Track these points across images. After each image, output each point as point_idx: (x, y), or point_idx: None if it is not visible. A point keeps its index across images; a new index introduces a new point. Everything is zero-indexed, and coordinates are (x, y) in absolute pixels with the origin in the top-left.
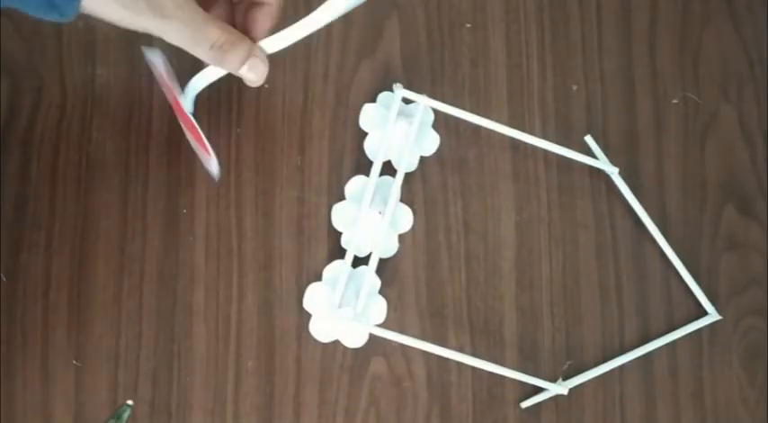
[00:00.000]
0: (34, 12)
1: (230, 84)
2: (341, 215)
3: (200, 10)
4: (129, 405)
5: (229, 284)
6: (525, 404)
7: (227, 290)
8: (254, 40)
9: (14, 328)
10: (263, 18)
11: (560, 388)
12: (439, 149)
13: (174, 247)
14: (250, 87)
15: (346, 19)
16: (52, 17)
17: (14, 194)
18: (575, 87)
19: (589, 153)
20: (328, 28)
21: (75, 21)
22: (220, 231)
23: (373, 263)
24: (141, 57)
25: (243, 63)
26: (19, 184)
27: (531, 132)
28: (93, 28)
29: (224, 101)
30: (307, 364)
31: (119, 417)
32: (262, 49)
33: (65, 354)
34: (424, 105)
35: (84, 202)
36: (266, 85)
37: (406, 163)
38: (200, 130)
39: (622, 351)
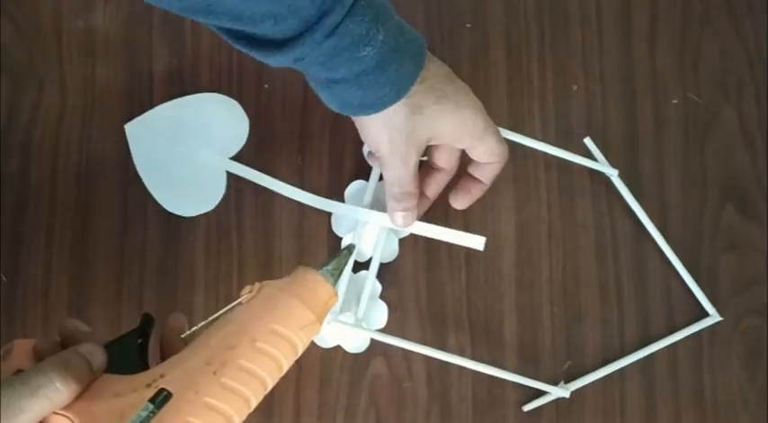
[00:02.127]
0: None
1: (230, 84)
2: (341, 220)
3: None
4: (351, 246)
5: (229, 284)
6: (527, 408)
7: (227, 290)
8: (428, 197)
9: (14, 328)
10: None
11: (562, 391)
12: None
13: (174, 247)
14: (250, 88)
15: None
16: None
17: (14, 194)
18: (575, 87)
19: (589, 155)
20: None
21: (76, 21)
22: (220, 231)
23: (374, 268)
24: (140, 56)
25: (402, 210)
26: (19, 184)
27: (531, 132)
28: (93, 28)
29: None
30: (307, 365)
31: (339, 257)
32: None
33: None
34: None
35: (84, 202)
36: (266, 85)
37: None
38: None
39: (622, 351)
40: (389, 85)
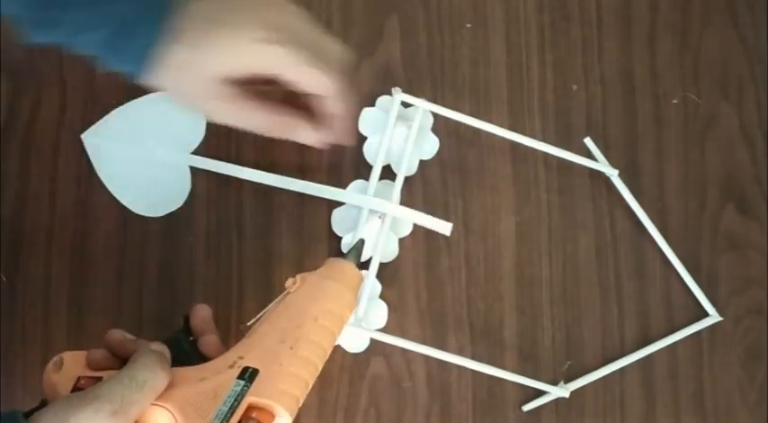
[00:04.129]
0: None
1: None
2: (341, 220)
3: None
4: (362, 240)
5: (229, 284)
6: (527, 407)
7: (227, 290)
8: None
9: (14, 328)
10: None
11: (562, 391)
12: (439, 151)
13: (174, 247)
14: None
15: (346, 18)
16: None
17: (14, 194)
18: (575, 87)
19: (589, 155)
20: (328, 27)
21: None
22: (220, 231)
23: (374, 268)
24: None
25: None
26: (19, 184)
27: (531, 132)
28: None
29: None
30: None
31: (357, 247)
32: None
33: None
34: (423, 109)
35: (83, 202)
36: None
37: (406, 167)
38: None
39: (622, 351)
40: None
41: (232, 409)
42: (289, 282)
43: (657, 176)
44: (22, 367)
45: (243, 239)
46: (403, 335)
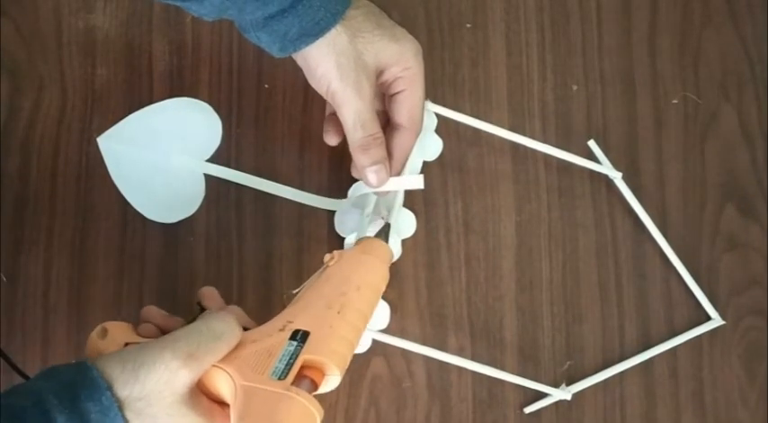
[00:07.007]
0: None
1: (230, 83)
2: (343, 220)
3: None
4: (389, 223)
5: (229, 284)
6: (528, 410)
7: (228, 290)
8: (396, 159)
9: (14, 328)
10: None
11: (563, 393)
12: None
13: (174, 247)
14: (250, 88)
15: None
16: None
17: (14, 194)
18: (575, 87)
19: (592, 157)
20: None
21: (76, 21)
22: (220, 231)
23: None
24: (140, 56)
25: (372, 164)
26: (19, 184)
27: (532, 132)
28: (93, 28)
29: (224, 101)
30: None
31: (384, 231)
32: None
33: (65, 354)
34: (427, 110)
35: (84, 202)
36: (266, 85)
37: (410, 168)
38: None
39: (623, 351)
40: (324, 8)
41: (288, 367)
42: (327, 257)
43: (657, 176)
44: (22, 367)
45: (243, 239)
46: (403, 335)
